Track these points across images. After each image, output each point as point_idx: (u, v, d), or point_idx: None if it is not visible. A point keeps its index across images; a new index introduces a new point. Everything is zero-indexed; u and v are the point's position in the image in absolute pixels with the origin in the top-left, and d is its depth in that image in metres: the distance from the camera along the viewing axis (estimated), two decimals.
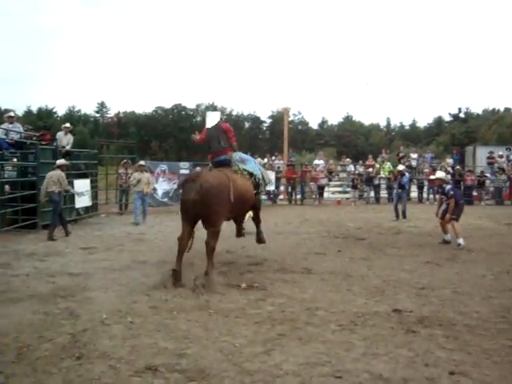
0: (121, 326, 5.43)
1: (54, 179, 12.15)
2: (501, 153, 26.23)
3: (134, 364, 4.39)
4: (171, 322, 5.60)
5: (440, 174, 12.40)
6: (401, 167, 17.66)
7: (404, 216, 16.18)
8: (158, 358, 4.54)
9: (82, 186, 15.35)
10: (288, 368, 4.31)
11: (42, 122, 48.62)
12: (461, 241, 10.95)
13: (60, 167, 12.52)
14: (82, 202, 15.42)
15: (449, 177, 13.02)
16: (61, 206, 12.54)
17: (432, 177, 13.85)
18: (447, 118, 75.00)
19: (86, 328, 5.31)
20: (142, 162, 16.83)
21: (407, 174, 17.86)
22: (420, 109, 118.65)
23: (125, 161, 20.37)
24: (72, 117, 67.11)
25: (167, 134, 67.97)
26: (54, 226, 12.08)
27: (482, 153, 28.47)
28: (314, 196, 23.85)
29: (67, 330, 5.25)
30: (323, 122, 78.31)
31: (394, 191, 17.78)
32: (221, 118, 8.71)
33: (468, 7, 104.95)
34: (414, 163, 25.93)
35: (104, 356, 4.56)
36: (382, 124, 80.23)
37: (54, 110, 70.46)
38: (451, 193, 11.33)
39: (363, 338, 5.08)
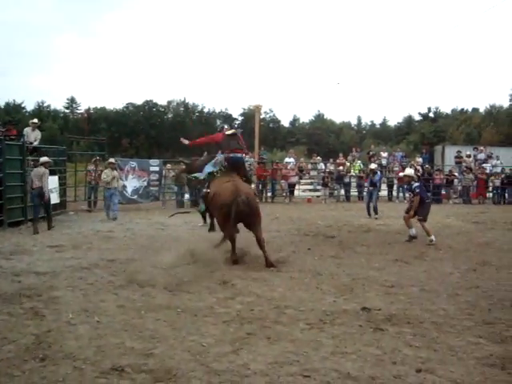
0: (87, 325, 5.34)
1: (38, 176, 12.84)
2: (468, 152, 26.69)
3: (99, 365, 4.30)
4: (139, 321, 5.52)
5: (409, 171, 12.55)
6: (373, 166, 17.88)
7: (375, 212, 16.35)
8: (124, 358, 4.46)
9: (50, 182, 15.11)
10: (256, 367, 4.28)
11: (9, 117, 47.72)
12: (433, 237, 11.21)
13: (43, 164, 13.07)
14: (50, 199, 15.18)
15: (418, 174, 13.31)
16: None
17: (401, 174, 14.08)
18: (417, 118, 76.12)
19: (51, 328, 5.21)
20: (112, 160, 16.77)
21: (379, 173, 18.09)
22: (391, 108, 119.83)
23: (96, 158, 20.15)
24: (41, 112, 66.02)
25: (138, 131, 67.43)
26: (37, 219, 12.84)
27: (450, 152, 28.93)
28: (284, 194, 23.91)
29: (31, 331, 5.14)
30: (294, 120, 78.61)
31: (366, 189, 17.98)
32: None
33: (437, 9, 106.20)
34: (384, 162, 26.20)
35: (69, 357, 4.47)
36: (353, 122, 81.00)
37: (23, 105, 69.31)
38: (417, 190, 11.55)
39: (332, 337, 5.08)
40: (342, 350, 4.71)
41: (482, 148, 28.03)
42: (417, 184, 11.79)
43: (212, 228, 10.91)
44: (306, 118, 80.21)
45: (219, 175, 9.59)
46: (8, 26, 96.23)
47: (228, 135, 9.95)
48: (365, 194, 18.41)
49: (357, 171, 24.65)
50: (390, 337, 5.09)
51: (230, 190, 8.72)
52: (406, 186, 12.59)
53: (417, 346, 4.85)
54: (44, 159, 13.36)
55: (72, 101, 74.19)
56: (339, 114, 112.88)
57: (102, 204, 18.71)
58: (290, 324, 5.48)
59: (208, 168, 10.09)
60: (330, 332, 5.23)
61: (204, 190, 9.87)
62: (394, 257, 9.60)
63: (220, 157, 10.07)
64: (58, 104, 76.08)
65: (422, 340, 5.00)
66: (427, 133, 64.66)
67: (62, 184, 16.97)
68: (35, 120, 16.65)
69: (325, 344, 4.88)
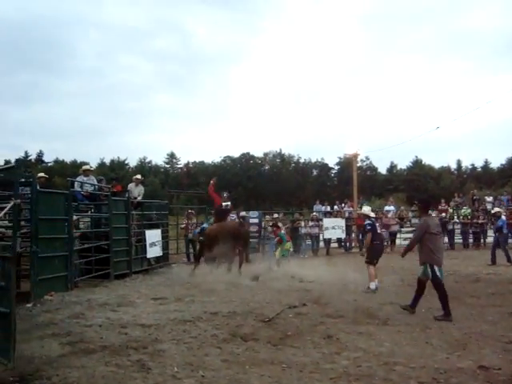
0: (192, 380, 5.30)
1: None
2: None
3: None
4: (243, 376, 5.42)
5: (364, 209, 12.59)
6: (497, 209, 17.37)
7: (509, 260, 15.64)
8: None
9: (153, 236, 15.63)
10: None
11: (114, 173, 50.24)
12: (372, 285, 11.02)
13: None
14: (154, 251, 15.66)
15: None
16: None
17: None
18: None
19: (158, 382, 5.22)
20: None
21: (503, 217, 17.36)
22: (492, 149, 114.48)
23: (188, 211, 20.59)
24: (143, 168, 69.30)
25: (236, 183, 68.80)
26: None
27: None
28: (385, 243, 23.29)
29: None
30: (392, 167, 77.27)
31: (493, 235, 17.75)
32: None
33: None
34: (489, 207, 24.98)
35: None
36: (453, 166, 78.37)
37: (126, 162, 72.98)
38: (368, 227, 11.47)
39: None
40: None
41: None
42: (368, 221, 11.55)
43: None
44: (403, 164, 78.45)
45: None
46: (112, 88, 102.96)
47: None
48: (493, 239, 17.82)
49: (463, 217, 23.70)
50: None
51: None
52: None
53: None
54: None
55: (172, 156, 77.27)
56: (438, 158, 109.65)
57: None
58: (400, 382, 5.18)
59: None
60: None
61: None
62: (509, 309, 8.94)
63: None
64: (158, 159, 79.37)
65: None
66: None
67: (165, 237, 17.44)
68: (139, 176, 17.35)
69: None
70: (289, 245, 16.34)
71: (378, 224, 12.03)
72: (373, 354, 6.23)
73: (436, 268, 8.58)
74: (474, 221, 23.11)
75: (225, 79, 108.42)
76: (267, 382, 5.25)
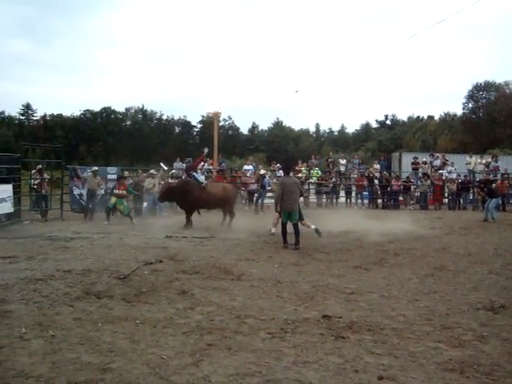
0: (41, 340, 5.12)
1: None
2: (424, 159, 27.06)
3: (54, 382, 4.12)
4: (95, 334, 5.34)
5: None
6: (262, 171, 22.24)
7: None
8: (80, 374, 4.29)
9: (3, 191, 14.74)
10: (217, 380, 4.19)
11: None
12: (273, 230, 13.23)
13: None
14: (4, 208, 14.81)
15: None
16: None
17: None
18: (374, 125, 77.42)
19: (3, 345, 4.97)
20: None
21: (267, 177, 21.81)
22: (349, 115, 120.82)
23: (39, 166, 19.56)
24: None
25: (96, 138, 66.42)
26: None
27: (407, 159, 29.38)
28: (243, 201, 23.82)
29: None
30: (253, 128, 78.76)
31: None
32: None
33: (394, 19, 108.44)
34: (342, 169, 26.44)
35: (21, 375, 4.26)
36: (312, 130, 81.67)
37: None
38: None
39: (293, 346, 5.03)
40: (303, 360, 4.67)
41: (437, 154, 28.47)
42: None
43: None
44: (264, 125, 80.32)
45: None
46: None
47: None
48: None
49: (315, 178, 24.83)
50: (352, 344, 5.07)
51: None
52: None
53: (378, 353, 4.84)
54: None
55: (27, 107, 72.41)
56: (298, 121, 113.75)
57: (52, 213, 18.45)
58: (250, 334, 5.40)
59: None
60: (291, 341, 5.17)
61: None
62: (354, 263, 9.65)
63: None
64: (12, 111, 74.35)
65: (383, 347, 5.01)
66: (384, 140, 65.94)
67: (16, 193, 16.51)
68: None
69: (286, 353, 4.82)
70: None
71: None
72: (225, 308, 6.42)
73: (283, 212, 11.76)
74: (324, 182, 24.39)
75: (84, 28, 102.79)
76: (120, 338, 5.22)
